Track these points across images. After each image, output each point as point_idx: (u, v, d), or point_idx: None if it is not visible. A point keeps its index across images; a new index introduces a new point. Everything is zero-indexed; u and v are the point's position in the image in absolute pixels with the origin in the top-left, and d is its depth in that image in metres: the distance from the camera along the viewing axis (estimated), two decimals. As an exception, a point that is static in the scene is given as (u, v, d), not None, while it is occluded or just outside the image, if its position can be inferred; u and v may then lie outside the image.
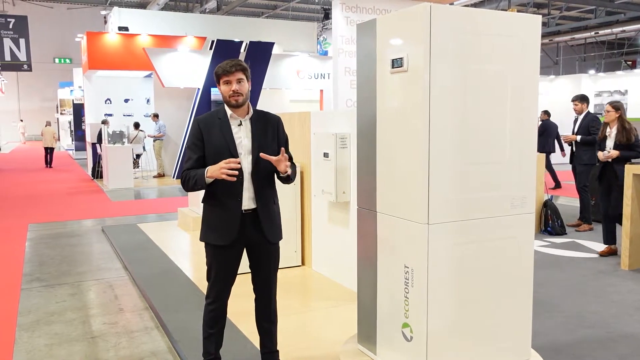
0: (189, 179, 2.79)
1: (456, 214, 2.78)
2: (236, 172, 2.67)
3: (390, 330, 3.00)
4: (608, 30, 25.24)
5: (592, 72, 24.07)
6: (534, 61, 2.96)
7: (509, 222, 2.95)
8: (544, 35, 24.78)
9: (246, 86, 2.82)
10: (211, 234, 2.87)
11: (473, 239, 2.85)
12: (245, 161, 2.82)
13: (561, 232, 6.92)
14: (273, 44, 14.31)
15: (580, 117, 7.19)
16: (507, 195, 2.93)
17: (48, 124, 20.03)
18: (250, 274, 3.00)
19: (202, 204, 2.94)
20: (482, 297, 2.91)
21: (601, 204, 5.96)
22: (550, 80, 20.02)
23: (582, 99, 7.21)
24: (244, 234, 2.85)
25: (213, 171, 2.69)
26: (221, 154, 2.77)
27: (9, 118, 36.00)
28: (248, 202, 2.83)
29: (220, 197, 2.82)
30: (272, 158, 2.77)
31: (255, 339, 3.25)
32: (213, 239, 2.86)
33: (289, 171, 2.83)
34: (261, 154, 2.78)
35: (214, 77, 2.86)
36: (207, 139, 2.81)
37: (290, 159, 2.97)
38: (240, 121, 2.86)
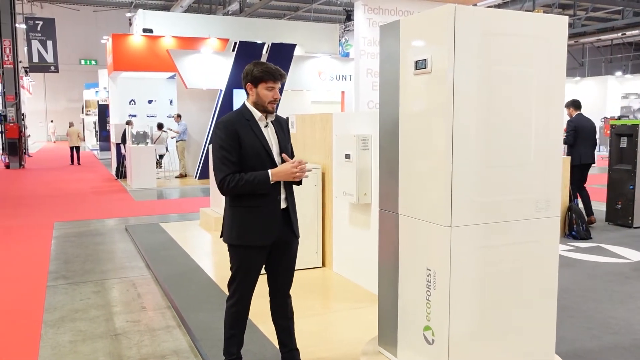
0: (244, 182, 2.74)
1: (479, 216, 2.75)
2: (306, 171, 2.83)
3: (411, 333, 2.98)
4: (635, 32, 24.78)
5: (618, 73, 23.66)
6: (560, 63, 2.91)
7: (533, 225, 2.91)
8: (569, 36, 24.38)
9: None
10: (250, 235, 2.84)
11: (496, 242, 2.82)
12: (277, 161, 2.90)
13: (586, 236, 6.80)
14: (295, 45, 14.37)
15: None
16: (531, 198, 2.89)
17: (71, 124, 20.66)
18: (265, 275, 3.02)
19: (233, 207, 2.88)
20: (505, 301, 2.88)
21: None
22: (576, 81, 19.73)
23: (569, 104, 7.61)
24: (279, 233, 2.91)
25: (283, 175, 2.79)
26: (259, 155, 2.81)
27: (36, 118, 36.75)
28: (282, 202, 2.91)
29: (258, 198, 2.82)
30: (289, 161, 2.88)
31: (275, 338, 3.25)
32: (251, 240, 2.84)
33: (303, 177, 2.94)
34: (283, 155, 2.88)
35: (250, 78, 2.84)
36: (242, 139, 2.81)
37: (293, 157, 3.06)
38: (267, 123, 2.92)
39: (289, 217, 2.95)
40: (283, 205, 2.91)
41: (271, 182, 2.78)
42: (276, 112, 2.98)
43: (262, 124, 2.89)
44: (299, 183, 2.98)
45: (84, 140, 28.11)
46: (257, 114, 2.87)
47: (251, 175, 2.76)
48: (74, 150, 19.27)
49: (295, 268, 3.11)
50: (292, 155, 2.99)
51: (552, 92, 2.90)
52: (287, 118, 3.15)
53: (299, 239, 3.08)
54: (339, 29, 22.92)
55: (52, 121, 37.14)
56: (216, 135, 2.82)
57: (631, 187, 7.43)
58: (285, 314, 3.07)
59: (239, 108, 2.93)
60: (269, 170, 2.79)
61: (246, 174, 2.77)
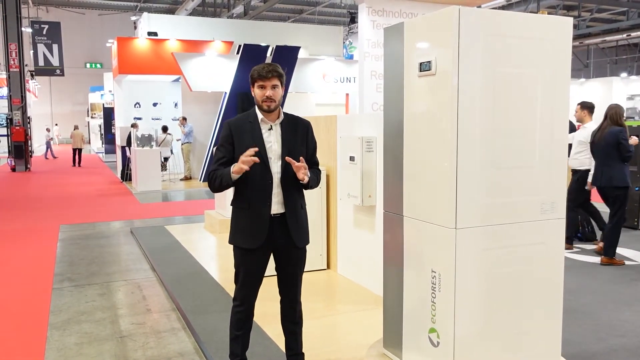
0: (215, 178, 2.82)
1: (484, 218, 2.75)
2: (255, 158, 2.68)
3: (416, 335, 2.98)
4: (641, 32, 24.67)
5: (624, 75, 23.56)
6: (564, 64, 2.91)
7: (539, 227, 2.91)
8: (574, 38, 24.32)
9: (280, 92, 2.84)
10: (240, 237, 2.89)
11: (501, 244, 2.81)
12: (275, 166, 2.84)
13: (591, 238, 6.78)
14: (299, 48, 14.37)
15: None
16: (536, 200, 2.89)
17: (76, 127, 20.95)
18: (276, 277, 3.02)
19: (232, 207, 2.96)
20: (510, 303, 2.87)
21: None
22: (581, 83, 19.68)
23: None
24: (272, 238, 2.86)
25: (237, 167, 2.71)
26: None
27: (41, 122, 36.89)
28: (276, 206, 2.85)
29: (249, 201, 2.84)
30: (294, 163, 2.76)
31: (280, 341, 3.26)
32: (241, 242, 2.89)
33: (306, 179, 2.80)
34: (286, 158, 2.79)
35: (249, 79, 2.87)
36: (237, 142, 2.83)
37: (317, 164, 3.01)
38: (271, 125, 2.88)
39: (286, 225, 2.87)
40: (277, 210, 2.84)
41: (232, 173, 2.73)
42: (281, 113, 2.89)
43: (265, 126, 2.88)
44: (305, 187, 2.90)
45: (89, 143, 28.34)
46: (259, 116, 2.88)
47: (220, 172, 2.80)
48: (76, 152, 19.78)
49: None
50: (297, 159, 2.82)
51: (557, 93, 2.89)
52: (309, 122, 3.02)
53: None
54: (343, 31, 22.94)
55: (56, 124, 37.31)
56: (219, 134, 2.91)
57: (637, 188, 7.39)
58: (293, 319, 3.06)
59: (251, 109, 2.95)
60: (235, 165, 2.74)
61: (219, 171, 2.81)
